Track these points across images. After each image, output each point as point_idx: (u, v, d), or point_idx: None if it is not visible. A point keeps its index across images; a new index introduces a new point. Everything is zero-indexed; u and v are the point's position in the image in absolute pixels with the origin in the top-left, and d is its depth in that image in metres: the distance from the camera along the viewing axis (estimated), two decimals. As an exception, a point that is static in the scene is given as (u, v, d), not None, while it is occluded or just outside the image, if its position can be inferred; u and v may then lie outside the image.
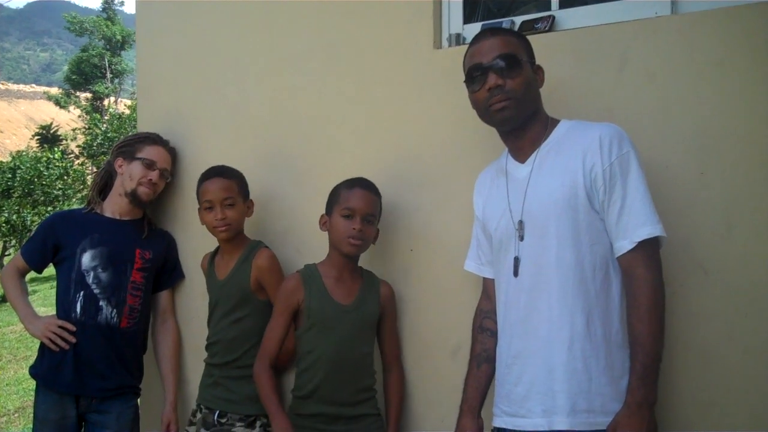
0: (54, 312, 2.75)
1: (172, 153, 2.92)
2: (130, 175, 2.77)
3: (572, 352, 1.73)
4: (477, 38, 1.92)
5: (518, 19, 2.32)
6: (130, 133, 3.11)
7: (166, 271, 2.91)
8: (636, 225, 1.72)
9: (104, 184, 2.91)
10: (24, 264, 2.83)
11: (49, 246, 2.76)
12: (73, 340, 2.62)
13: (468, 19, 2.47)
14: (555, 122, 1.91)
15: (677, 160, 1.97)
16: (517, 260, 1.85)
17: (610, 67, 2.07)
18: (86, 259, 2.69)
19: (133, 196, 2.78)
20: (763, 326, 1.87)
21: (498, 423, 1.90)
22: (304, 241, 2.60)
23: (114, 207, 2.83)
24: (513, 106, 1.83)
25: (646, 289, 1.71)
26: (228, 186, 2.51)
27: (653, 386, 1.68)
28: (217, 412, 2.52)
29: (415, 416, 2.40)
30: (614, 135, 1.77)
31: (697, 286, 1.93)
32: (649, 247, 1.73)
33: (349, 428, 2.25)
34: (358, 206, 2.23)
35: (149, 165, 2.77)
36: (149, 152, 2.80)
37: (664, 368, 1.89)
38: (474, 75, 1.88)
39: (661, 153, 1.97)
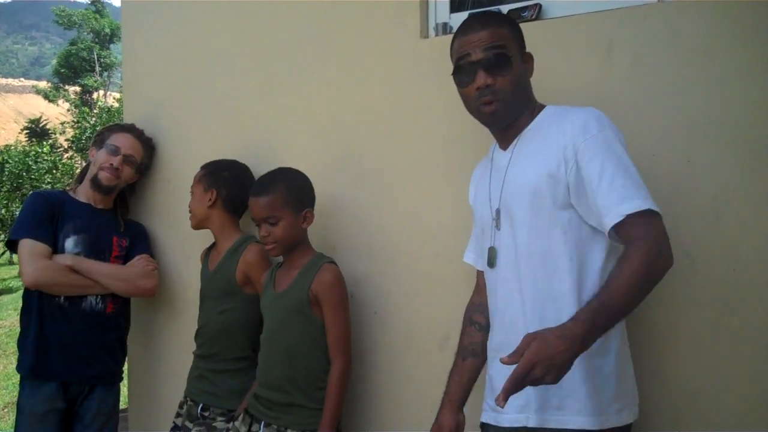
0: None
1: (147, 143, 2.91)
2: (95, 161, 2.78)
3: None
4: (465, 28, 1.80)
5: (505, 8, 2.30)
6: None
7: (130, 257, 2.83)
8: (621, 198, 1.56)
9: (84, 176, 2.90)
10: (43, 247, 2.58)
11: (54, 223, 2.66)
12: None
13: (455, 8, 2.45)
14: (541, 108, 1.84)
15: (664, 149, 1.96)
16: (492, 250, 1.81)
17: (597, 55, 2.06)
18: (69, 244, 2.66)
19: (94, 182, 2.77)
20: (750, 315, 1.87)
21: (483, 418, 1.85)
22: (292, 233, 2.59)
23: (87, 194, 2.81)
24: (502, 107, 1.76)
25: (639, 250, 1.52)
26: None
27: (598, 334, 1.48)
28: (201, 405, 2.53)
29: (403, 408, 2.39)
30: (591, 116, 1.68)
31: (684, 275, 1.92)
32: (645, 220, 1.56)
33: (280, 416, 2.25)
34: (255, 215, 2.29)
35: (113, 151, 2.76)
36: (115, 139, 2.80)
37: (651, 357, 1.89)
38: (462, 70, 1.79)
39: (648, 141, 1.96)
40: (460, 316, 2.07)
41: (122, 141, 2.80)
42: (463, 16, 2.39)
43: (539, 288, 1.69)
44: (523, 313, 1.72)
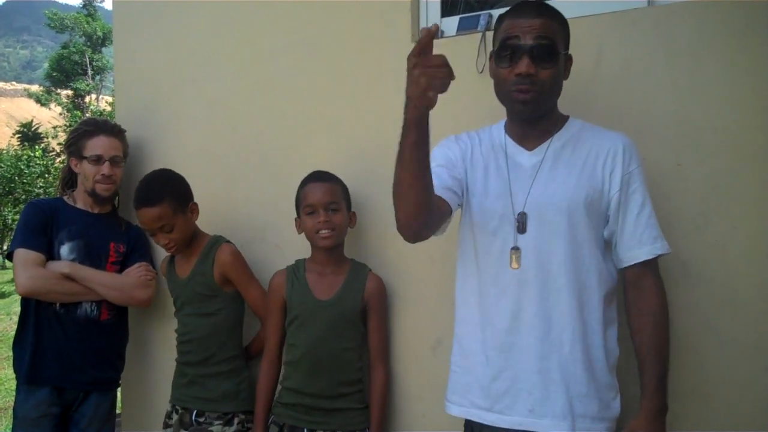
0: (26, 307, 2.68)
1: (119, 133, 2.81)
2: (84, 175, 2.73)
3: (573, 354, 1.71)
4: (519, 11, 1.75)
5: (496, 12, 2.31)
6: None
7: (129, 264, 2.80)
8: (656, 237, 1.74)
9: (69, 179, 2.85)
10: (37, 255, 2.58)
11: (48, 232, 2.65)
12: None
13: (446, 11, 2.46)
14: (564, 117, 1.86)
15: (654, 152, 1.97)
16: (517, 251, 1.76)
17: (587, 59, 2.06)
18: (65, 251, 2.65)
19: (93, 195, 2.75)
20: (740, 315, 1.89)
21: (457, 412, 1.86)
22: (284, 236, 2.58)
23: (85, 201, 2.79)
24: (537, 99, 1.74)
25: (659, 299, 1.74)
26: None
27: (666, 392, 1.71)
28: (195, 411, 2.51)
29: (396, 411, 2.39)
30: (634, 146, 1.78)
31: (674, 277, 1.93)
32: (657, 260, 1.77)
33: (327, 420, 2.27)
34: (316, 200, 2.28)
35: (96, 160, 2.71)
36: (93, 147, 2.71)
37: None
38: (506, 51, 1.74)
39: (638, 144, 1.95)
40: (452, 320, 2.05)
41: (100, 146, 2.72)
42: (454, 20, 2.40)
43: (576, 298, 1.73)
44: (549, 320, 1.73)
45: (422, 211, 1.68)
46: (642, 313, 1.74)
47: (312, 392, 2.28)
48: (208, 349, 2.51)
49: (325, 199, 2.28)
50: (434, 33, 1.47)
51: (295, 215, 2.41)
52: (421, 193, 1.64)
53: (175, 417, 2.54)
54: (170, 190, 2.50)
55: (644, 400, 1.69)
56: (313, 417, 2.28)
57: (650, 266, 1.75)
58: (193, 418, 2.50)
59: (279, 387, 2.41)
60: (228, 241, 2.57)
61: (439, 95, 2.25)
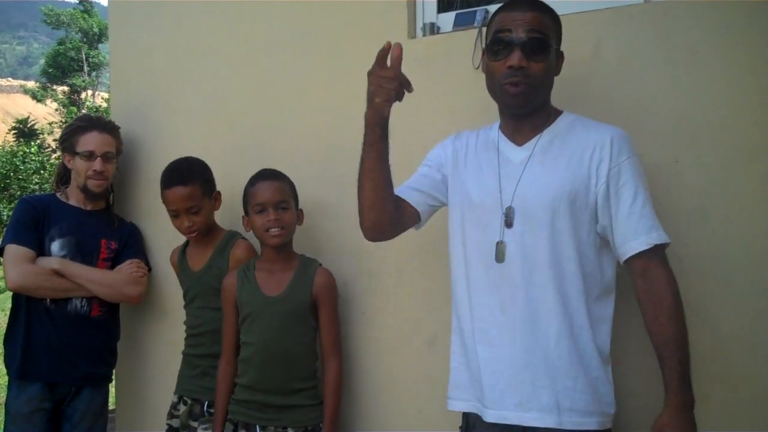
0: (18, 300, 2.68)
1: (112, 130, 2.82)
2: (77, 171, 2.74)
3: (559, 348, 1.71)
4: (512, 4, 1.76)
5: (492, 8, 2.30)
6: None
7: (121, 260, 2.80)
8: (651, 227, 1.70)
9: (64, 175, 2.86)
10: (27, 251, 2.60)
11: (39, 228, 2.67)
12: None
13: (443, 8, 2.45)
14: (557, 112, 1.85)
15: (652, 148, 1.97)
16: (502, 245, 1.76)
17: (585, 55, 2.06)
18: (55, 248, 2.66)
19: (85, 191, 2.75)
20: (738, 313, 1.89)
21: (464, 408, 1.86)
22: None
23: (78, 197, 2.80)
24: (528, 92, 1.74)
25: (670, 288, 1.68)
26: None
27: (691, 385, 1.66)
28: (206, 402, 2.51)
29: (391, 408, 2.39)
30: (624, 138, 1.75)
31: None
32: (662, 251, 1.72)
33: (280, 417, 2.28)
34: (266, 198, 2.30)
35: (88, 156, 2.72)
36: (85, 143, 2.73)
37: (638, 357, 1.90)
38: (498, 43, 1.74)
39: (636, 141, 1.95)
40: (448, 316, 2.04)
41: (92, 142, 2.73)
42: (450, 16, 2.39)
43: (559, 292, 1.72)
44: (535, 314, 1.73)
45: (373, 209, 1.88)
46: (654, 306, 1.69)
47: (265, 389, 2.29)
48: (220, 341, 2.50)
49: (275, 198, 2.30)
50: (388, 49, 1.67)
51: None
52: (370, 193, 1.86)
53: (183, 408, 2.54)
54: (201, 173, 2.55)
55: (668, 396, 1.65)
56: (265, 414, 2.29)
57: (654, 256, 1.70)
58: (206, 408, 2.50)
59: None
60: (244, 238, 2.57)
61: (436, 93, 2.26)
